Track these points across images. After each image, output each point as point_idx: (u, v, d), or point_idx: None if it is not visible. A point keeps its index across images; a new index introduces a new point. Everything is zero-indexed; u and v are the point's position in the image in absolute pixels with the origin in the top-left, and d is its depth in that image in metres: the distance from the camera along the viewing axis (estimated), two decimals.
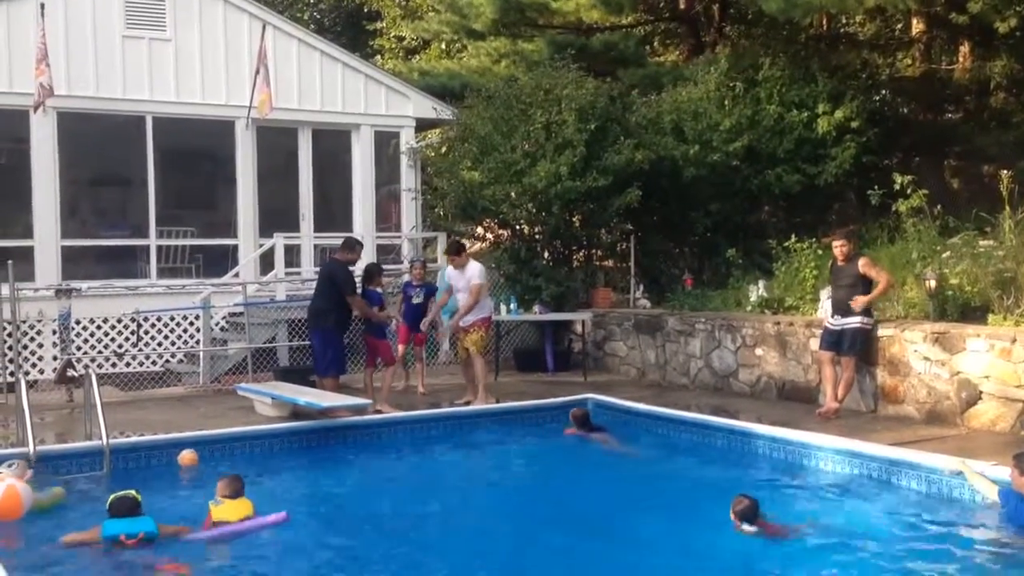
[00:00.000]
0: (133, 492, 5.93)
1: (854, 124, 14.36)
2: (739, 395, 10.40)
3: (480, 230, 14.93)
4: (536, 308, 12.37)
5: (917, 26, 18.05)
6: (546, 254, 13.57)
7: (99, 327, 12.16)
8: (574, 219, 13.21)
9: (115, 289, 12.26)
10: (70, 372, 9.91)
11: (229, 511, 6.02)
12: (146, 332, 12.20)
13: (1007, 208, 9.29)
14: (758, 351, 10.30)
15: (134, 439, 8.08)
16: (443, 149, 14.89)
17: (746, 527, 5.64)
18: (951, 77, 18.05)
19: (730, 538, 5.64)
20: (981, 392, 8.17)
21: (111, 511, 5.80)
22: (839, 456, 7.34)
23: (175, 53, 13.23)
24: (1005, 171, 9.76)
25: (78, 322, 11.65)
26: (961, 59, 18.29)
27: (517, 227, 13.40)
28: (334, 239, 13.22)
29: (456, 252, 10.08)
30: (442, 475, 8.02)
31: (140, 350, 12.07)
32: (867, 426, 8.37)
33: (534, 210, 12.51)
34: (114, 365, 11.94)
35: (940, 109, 18.51)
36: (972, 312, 8.81)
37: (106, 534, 5.66)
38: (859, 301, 8.78)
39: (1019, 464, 5.75)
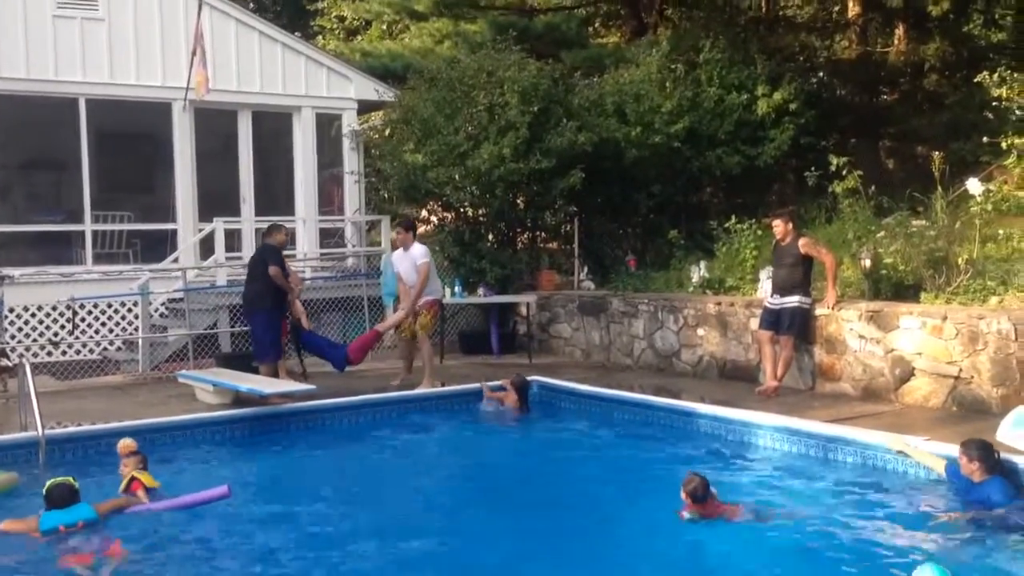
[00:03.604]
0: (70, 479, 5.87)
1: (792, 106, 14.61)
2: (682, 375, 10.53)
3: (424, 213, 14.88)
4: (481, 291, 12.38)
5: (853, 9, 18.38)
6: (490, 236, 13.59)
7: (33, 315, 11.88)
8: (518, 201, 13.24)
9: (49, 276, 12.00)
10: (3, 362, 9.68)
11: (150, 479, 6.27)
12: (82, 319, 11.96)
13: (939, 189, 9.53)
14: (700, 331, 10.45)
15: (71, 429, 7.93)
16: (386, 131, 14.79)
17: (686, 514, 5.69)
18: (886, 59, 18.42)
19: (676, 520, 5.71)
20: (914, 369, 8.39)
21: (50, 501, 5.74)
22: (779, 433, 7.49)
23: (108, 33, 12.91)
24: (937, 152, 10.01)
25: (11, 310, 11.38)
26: (896, 41, 18.67)
27: (461, 209, 13.39)
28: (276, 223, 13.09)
29: (407, 228, 10.04)
30: (386, 459, 8.00)
31: (76, 338, 11.83)
32: (805, 403, 8.55)
33: (478, 192, 12.50)
34: (49, 354, 11.69)
35: (875, 91, 18.90)
36: (905, 291, 9.04)
37: (44, 527, 5.59)
38: (831, 300, 8.94)
39: (967, 451, 5.85)
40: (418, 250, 9.92)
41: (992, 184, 9.57)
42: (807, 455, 7.20)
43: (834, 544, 5.35)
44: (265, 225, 13.36)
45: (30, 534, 5.61)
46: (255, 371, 9.79)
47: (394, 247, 10.33)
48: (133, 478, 6.22)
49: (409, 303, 9.91)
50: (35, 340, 11.78)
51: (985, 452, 5.84)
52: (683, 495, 5.69)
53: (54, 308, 11.86)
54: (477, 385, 9.57)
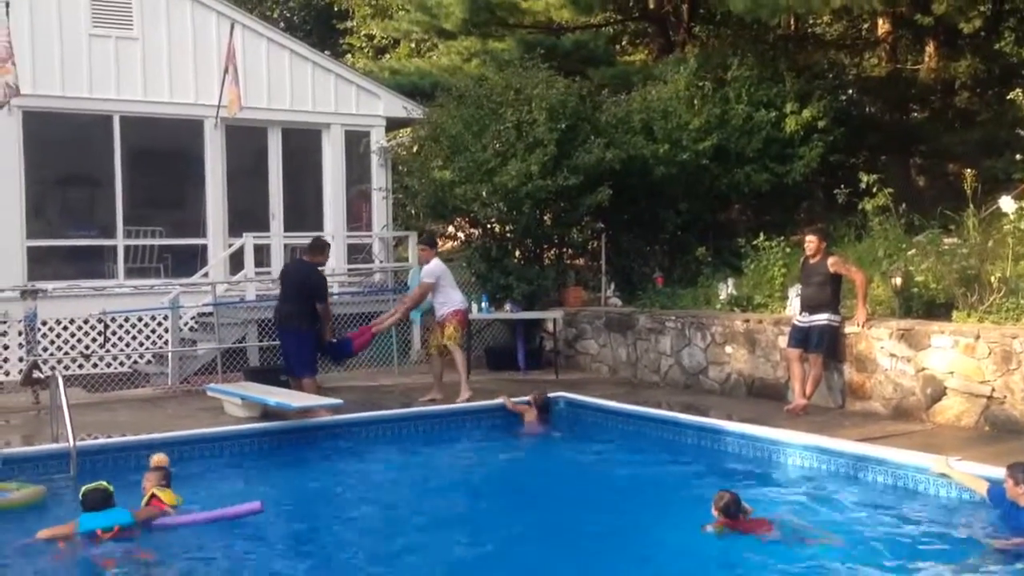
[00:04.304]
0: (104, 483, 5.96)
1: (821, 123, 14.52)
2: (709, 392, 10.47)
3: (451, 229, 14.93)
4: (507, 307, 12.38)
5: (883, 26, 18.27)
6: (517, 253, 13.58)
7: (65, 328, 12.04)
8: (545, 218, 13.23)
9: (82, 290, 12.13)
10: (36, 374, 9.80)
11: (170, 497, 6.25)
12: (113, 333, 12.08)
13: (971, 206, 9.42)
14: (727, 349, 10.38)
15: (101, 441, 8.01)
16: (414, 148, 14.86)
17: (709, 528, 5.65)
18: (916, 77, 18.29)
19: (704, 537, 5.66)
20: (946, 388, 8.28)
21: (85, 505, 5.82)
22: (808, 452, 7.42)
23: (142, 52, 13.12)
24: (969, 170, 9.90)
25: (44, 323, 11.52)
26: (927, 59, 18.53)
27: (488, 226, 13.40)
28: (304, 239, 13.12)
29: (430, 245, 10.37)
30: (413, 474, 8.00)
31: (107, 351, 11.95)
32: (835, 422, 8.46)
33: (505, 209, 12.51)
34: (81, 366, 11.83)
35: (906, 108, 18.76)
36: (937, 309, 8.93)
37: (83, 529, 5.67)
38: (861, 318, 8.89)
39: (1014, 474, 5.68)
40: (428, 267, 10.12)
41: None
42: (837, 474, 7.13)
43: (867, 565, 5.27)
44: (295, 241, 13.66)
45: (67, 539, 5.67)
46: (284, 385, 9.84)
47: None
48: (153, 495, 6.23)
49: (400, 311, 10.49)
50: (67, 353, 11.92)
51: None
52: (714, 511, 5.66)
53: (86, 321, 12.00)
54: (500, 400, 9.55)
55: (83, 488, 5.93)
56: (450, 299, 10.13)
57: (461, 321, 10.21)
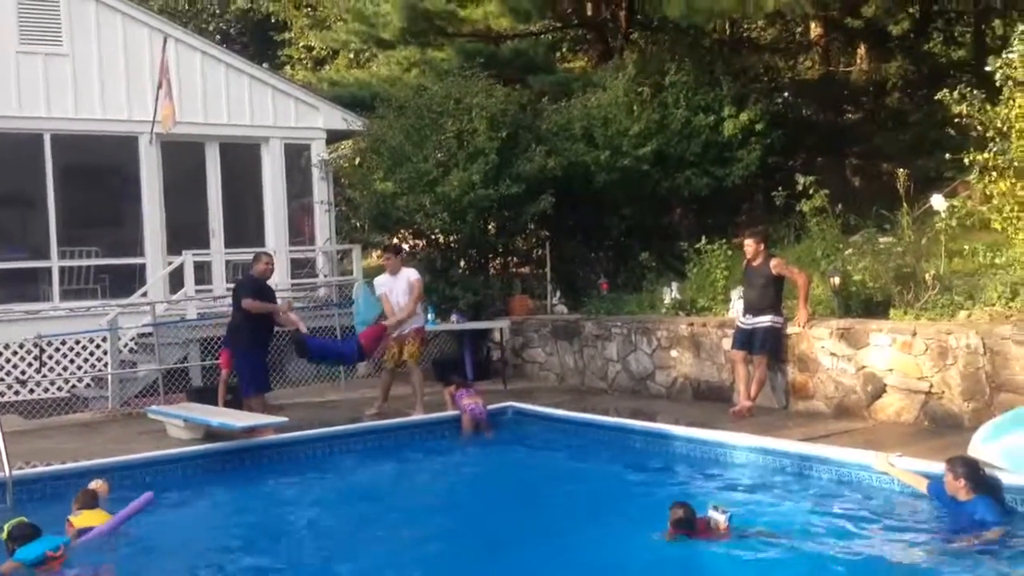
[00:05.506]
0: (23, 518, 5.82)
1: (758, 126, 14.72)
2: (656, 397, 10.53)
3: (395, 241, 14.83)
4: (453, 317, 12.34)
5: (815, 30, 18.63)
6: (462, 263, 13.56)
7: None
8: (489, 227, 13.24)
9: (15, 313, 11.86)
10: None
11: (88, 520, 6.13)
12: (50, 357, 11.77)
13: (904, 205, 9.62)
14: (673, 353, 10.46)
15: (39, 469, 7.78)
16: (356, 160, 14.78)
17: (656, 535, 5.64)
18: (849, 79, 18.67)
19: (653, 542, 5.68)
20: (885, 385, 8.43)
21: (16, 540, 5.63)
22: (754, 453, 7.49)
23: (73, 68, 12.84)
24: (902, 169, 10.11)
25: None
26: (858, 61, 18.95)
27: (432, 237, 13.37)
28: (246, 255, 12.96)
29: (397, 252, 10.31)
30: (362, 490, 7.91)
31: (44, 376, 11.65)
32: (780, 422, 8.56)
33: (448, 219, 12.49)
34: (16, 392, 11.52)
35: (840, 110, 19.14)
36: (875, 307, 9.09)
37: (32, 557, 5.50)
38: (802, 319, 8.99)
39: (952, 468, 5.76)
40: (411, 272, 10.10)
41: (956, 200, 9.67)
42: (783, 474, 7.20)
43: (814, 563, 5.33)
44: (236, 257, 13.49)
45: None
46: (228, 404, 9.67)
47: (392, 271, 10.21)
48: (68, 520, 6.15)
49: (396, 320, 9.87)
50: (1, 379, 11.60)
51: (971, 469, 5.74)
52: (669, 526, 5.63)
53: (21, 346, 11.69)
54: (454, 412, 9.51)
55: (6, 527, 5.71)
56: (418, 315, 10.10)
57: (423, 340, 10.21)
